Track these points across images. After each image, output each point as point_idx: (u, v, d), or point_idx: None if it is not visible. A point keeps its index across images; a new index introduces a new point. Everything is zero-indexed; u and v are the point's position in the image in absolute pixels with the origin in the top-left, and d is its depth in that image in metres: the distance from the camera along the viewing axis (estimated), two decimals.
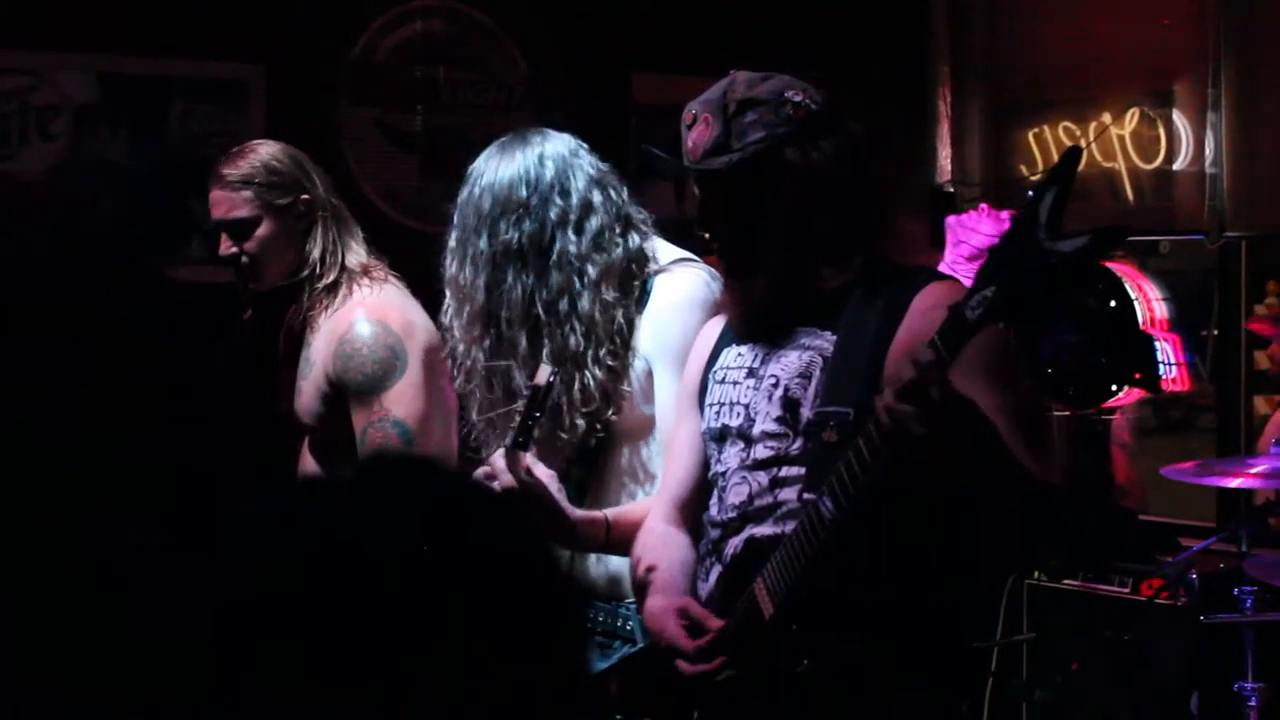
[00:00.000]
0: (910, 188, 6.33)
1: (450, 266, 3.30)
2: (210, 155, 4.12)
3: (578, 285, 3.21)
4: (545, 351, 3.19)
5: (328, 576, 1.10)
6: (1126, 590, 4.93)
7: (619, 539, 3.08)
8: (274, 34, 5.78)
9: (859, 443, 2.50)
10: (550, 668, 1.16)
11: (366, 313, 3.66)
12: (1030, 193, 2.26)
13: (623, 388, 3.24)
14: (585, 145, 3.36)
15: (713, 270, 3.27)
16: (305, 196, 3.70)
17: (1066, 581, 5.04)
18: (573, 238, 3.22)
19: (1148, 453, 6.08)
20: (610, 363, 3.21)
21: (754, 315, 2.86)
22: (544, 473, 3.02)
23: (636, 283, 3.27)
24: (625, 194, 3.34)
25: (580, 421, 3.22)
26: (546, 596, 1.19)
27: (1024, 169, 6.51)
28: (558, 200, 3.23)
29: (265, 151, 3.72)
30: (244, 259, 3.71)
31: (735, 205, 2.79)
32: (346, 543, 1.11)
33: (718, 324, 3.04)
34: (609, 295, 3.21)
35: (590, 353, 3.20)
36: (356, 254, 3.75)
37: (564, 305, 3.21)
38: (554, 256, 3.22)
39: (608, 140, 3.49)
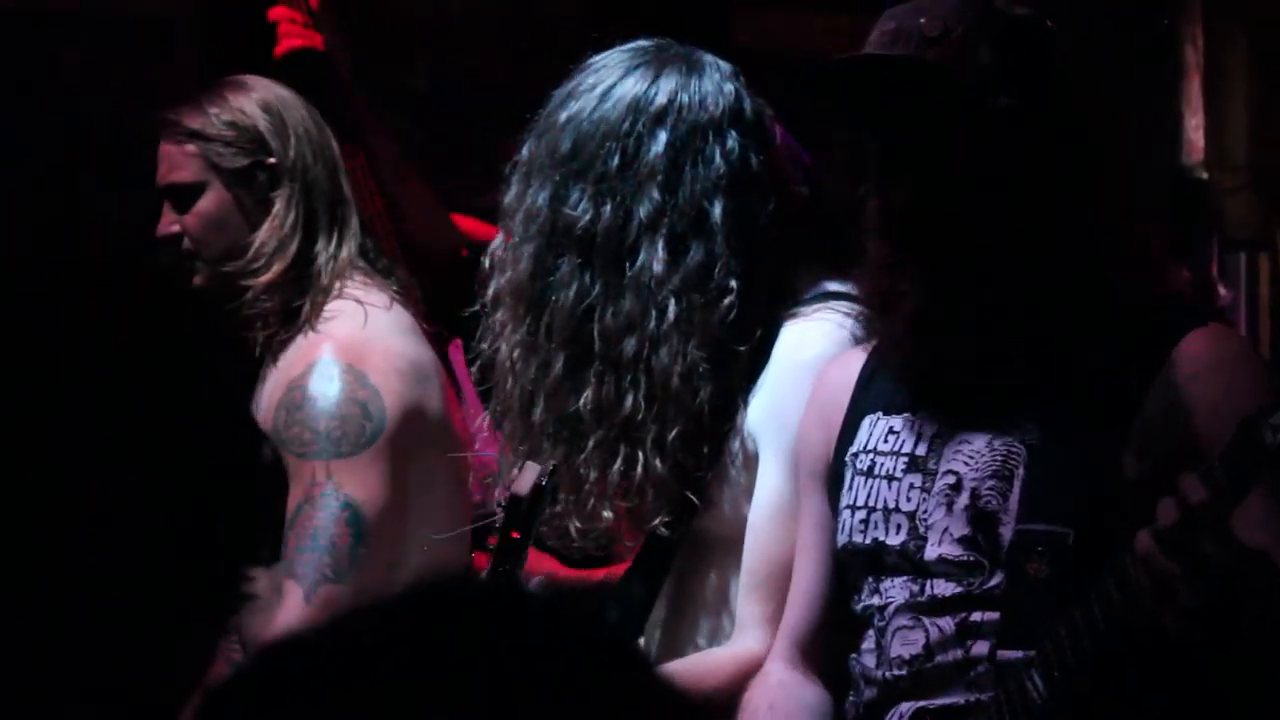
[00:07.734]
0: (1142, 173, 5.85)
1: (513, 183, 2.91)
2: (115, 116, 4.43)
3: (653, 324, 2.86)
4: (584, 400, 2.87)
5: None
6: None
7: None
8: None
9: (1092, 599, 2.28)
10: None
11: (336, 350, 3.29)
12: None
13: (720, 477, 2.95)
14: (745, 86, 2.96)
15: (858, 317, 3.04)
16: (270, 160, 3.43)
17: None
18: (662, 252, 2.83)
19: None
20: (678, 451, 2.87)
21: (954, 354, 2.53)
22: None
23: (744, 347, 2.91)
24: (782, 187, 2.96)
25: (608, 513, 2.96)
26: None
27: None
28: (662, 176, 2.82)
29: (241, 95, 3.49)
30: (185, 240, 3.47)
31: (990, 169, 2.50)
32: None
33: (850, 366, 2.74)
34: (696, 354, 2.85)
35: (653, 429, 2.87)
36: (341, 249, 3.41)
37: (630, 345, 2.85)
38: (634, 269, 2.85)
39: None
